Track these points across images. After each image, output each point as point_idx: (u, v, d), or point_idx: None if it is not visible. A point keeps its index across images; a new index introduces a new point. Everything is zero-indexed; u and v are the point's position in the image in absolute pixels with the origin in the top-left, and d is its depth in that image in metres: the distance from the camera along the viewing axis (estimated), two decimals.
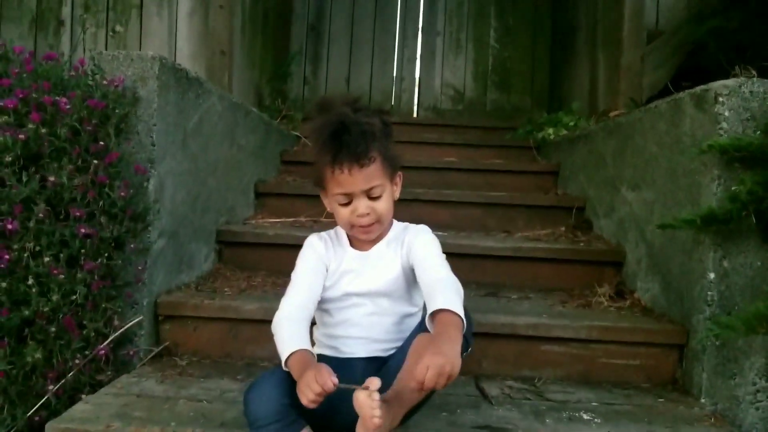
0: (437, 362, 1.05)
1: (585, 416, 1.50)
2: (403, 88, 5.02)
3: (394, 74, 5.02)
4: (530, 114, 4.42)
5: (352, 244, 1.43)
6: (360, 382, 1.17)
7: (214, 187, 2.24)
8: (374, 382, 1.10)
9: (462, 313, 1.18)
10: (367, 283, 1.38)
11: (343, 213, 1.33)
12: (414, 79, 5.02)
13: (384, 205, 1.34)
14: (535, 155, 3.63)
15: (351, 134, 1.26)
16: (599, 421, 1.47)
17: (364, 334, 1.38)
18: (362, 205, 1.31)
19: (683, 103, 1.82)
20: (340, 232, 1.45)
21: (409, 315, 1.42)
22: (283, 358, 1.20)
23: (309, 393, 1.09)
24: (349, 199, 1.31)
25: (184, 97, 1.90)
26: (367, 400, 1.09)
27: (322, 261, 1.40)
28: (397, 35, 4.99)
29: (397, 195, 1.40)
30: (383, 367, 1.32)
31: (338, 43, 4.97)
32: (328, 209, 1.40)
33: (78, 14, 2.95)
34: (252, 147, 2.76)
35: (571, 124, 3.56)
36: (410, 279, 1.40)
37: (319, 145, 1.30)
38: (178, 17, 3.13)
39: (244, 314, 1.77)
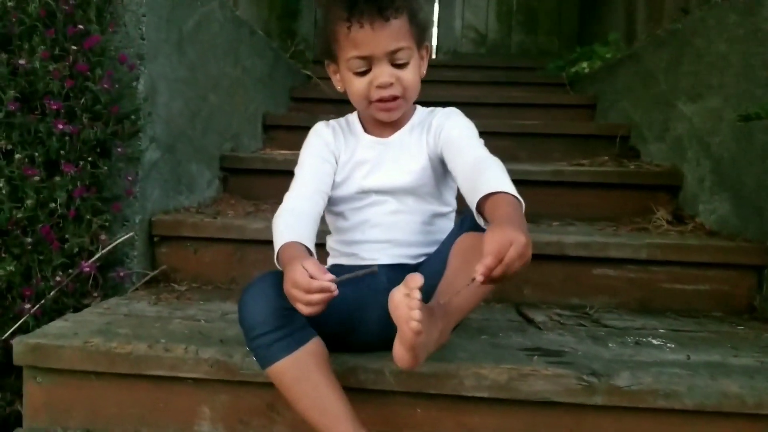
0: (521, 239, 0.79)
1: (654, 341, 1.26)
2: None
3: None
4: (559, 56, 4.11)
5: (366, 130, 1.17)
6: (385, 293, 0.92)
7: (216, 105, 2.00)
8: (415, 279, 0.84)
9: (518, 195, 0.93)
10: (387, 177, 1.13)
11: (359, 85, 1.06)
12: (432, 21, 4.71)
13: (411, 76, 1.07)
14: (568, 90, 3.34)
15: None
16: (673, 345, 1.23)
17: (388, 236, 1.13)
18: (385, 72, 1.04)
19: None
20: (352, 118, 1.20)
21: (441, 215, 1.18)
22: (275, 255, 0.97)
23: (297, 293, 0.85)
24: (367, 66, 1.04)
25: None
26: (404, 299, 0.84)
27: (329, 149, 1.15)
28: None
29: (423, 71, 1.14)
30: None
31: None
32: (339, 87, 1.13)
33: None
34: (259, 73, 2.51)
35: (608, 55, 3.26)
36: (440, 172, 1.15)
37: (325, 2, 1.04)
38: None
39: (250, 234, 1.54)
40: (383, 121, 1.12)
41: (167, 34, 1.61)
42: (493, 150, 2.69)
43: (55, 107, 1.27)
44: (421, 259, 1.15)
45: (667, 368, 1.06)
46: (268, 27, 3.81)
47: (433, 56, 4.67)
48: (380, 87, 1.05)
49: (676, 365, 1.09)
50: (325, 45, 1.10)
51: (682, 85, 1.97)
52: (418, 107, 1.19)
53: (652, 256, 1.50)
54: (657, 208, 1.89)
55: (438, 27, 4.72)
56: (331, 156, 1.14)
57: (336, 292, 0.86)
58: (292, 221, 1.02)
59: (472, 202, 0.94)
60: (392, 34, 1.02)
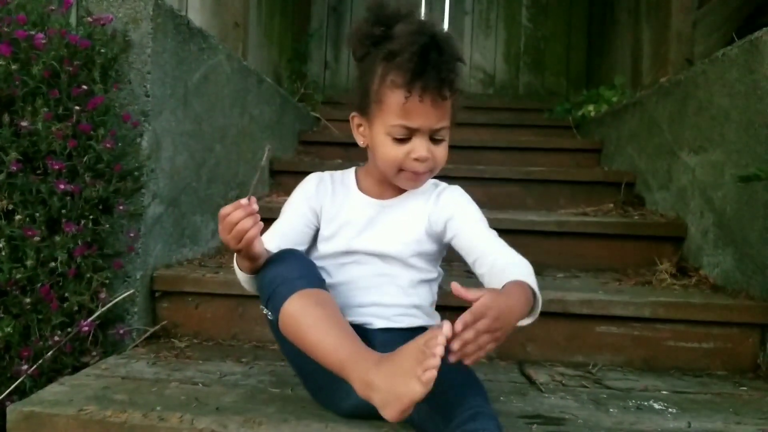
0: (506, 315, 0.81)
1: (656, 405, 1.23)
2: None
3: None
4: (566, 96, 4.14)
5: (361, 189, 1.17)
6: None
7: (222, 156, 2.03)
8: (445, 328, 0.81)
9: (539, 294, 0.95)
10: (378, 241, 1.12)
11: (395, 153, 1.06)
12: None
13: (443, 153, 1.09)
14: (574, 134, 3.35)
15: (443, 54, 1.00)
16: (674, 410, 1.20)
17: (372, 299, 1.12)
18: (424, 146, 1.05)
19: (762, 43, 1.55)
20: (348, 174, 1.20)
21: (426, 281, 1.18)
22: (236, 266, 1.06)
23: (223, 224, 0.94)
24: (409, 135, 1.05)
25: (185, 48, 1.69)
26: (422, 349, 0.81)
27: (309, 204, 1.15)
28: (423, 15, 4.74)
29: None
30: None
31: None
32: (361, 142, 1.13)
33: None
34: (266, 120, 2.55)
35: (614, 99, 3.27)
36: (434, 247, 1.16)
37: (390, 58, 1.01)
38: None
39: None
40: (405, 188, 1.13)
41: (173, 90, 1.64)
42: (502, 196, 2.67)
43: (57, 167, 1.29)
44: (411, 321, 1.14)
45: None
46: (278, 70, 3.88)
47: None
48: (417, 160, 1.06)
49: None
50: (362, 101, 1.09)
51: (686, 136, 1.97)
52: None
53: (656, 315, 1.48)
54: (661, 260, 1.87)
55: None
56: (309, 212, 1.15)
57: (251, 205, 0.92)
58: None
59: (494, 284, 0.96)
60: (442, 113, 1.04)
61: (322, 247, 1.16)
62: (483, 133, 3.42)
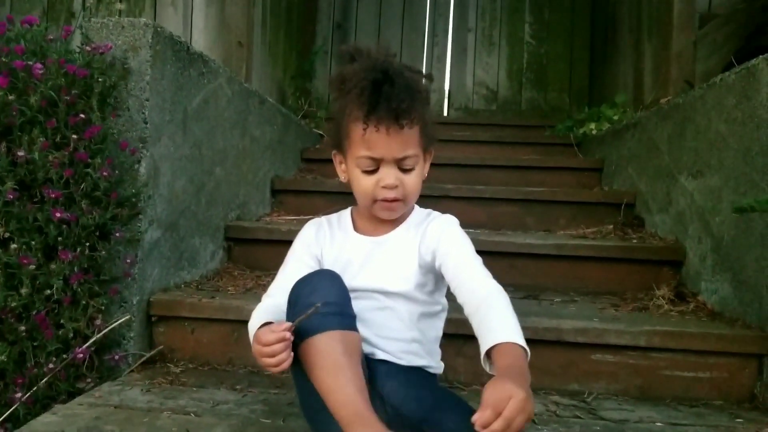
0: (519, 394, 0.79)
1: None
2: (433, 87, 4.78)
3: None
4: (569, 113, 4.15)
5: (357, 228, 1.19)
6: (381, 387, 1.04)
7: (222, 178, 2.04)
8: None
9: (524, 343, 0.94)
10: (375, 277, 1.14)
11: (366, 183, 1.10)
12: (444, 78, 4.79)
13: (414, 182, 1.12)
14: (576, 152, 3.35)
15: (395, 86, 1.04)
16: None
17: (377, 331, 1.12)
18: (391, 174, 1.08)
19: (758, 71, 1.55)
20: (345, 214, 1.23)
21: (431, 315, 1.18)
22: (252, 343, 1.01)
23: (261, 349, 0.93)
24: (375, 166, 1.08)
25: (184, 73, 1.71)
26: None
27: (311, 251, 1.18)
28: (427, 32, 4.78)
29: (425, 172, 1.17)
30: (399, 378, 1.08)
31: (365, 42, 4.77)
32: (343, 178, 1.17)
33: (89, 4, 2.81)
34: (268, 140, 2.56)
35: (615, 117, 3.28)
36: (430, 279, 1.16)
37: (350, 95, 1.07)
38: (193, 7, 2.98)
39: (248, 315, 1.48)
40: (384, 218, 1.15)
41: (172, 115, 1.65)
42: (502, 216, 2.66)
43: (53, 195, 1.30)
44: (406, 360, 1.13)
45: None
46: (282, 87, 3.91)
47: (445, 113, 4.74)
48: (385, 188, 1.09)
49: None
50: (336, 137, 1.14)
51: (684, 160, 1.97)
52: (416, 207, 1.22)
53: (651, 344, 1.48)
54: (659, 285, 1.86)
55: (450, 84, 4.80)
56: (312, 259, 1.17)
57: (290, 337, 0.92)
58: (264, 316, 1.07)
59: (480, 345, 0.96)
60: (404, 141, 1.07)
61: None
62: (485, 150, 3.43)
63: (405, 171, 1.10)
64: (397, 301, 1.14)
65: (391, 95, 1.03)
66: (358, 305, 1.12)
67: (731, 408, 1.43)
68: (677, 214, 2.02)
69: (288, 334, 0.93)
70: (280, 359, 0.92)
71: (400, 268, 1.14)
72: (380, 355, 1.12)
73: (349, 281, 1.11)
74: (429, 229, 1.15)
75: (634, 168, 2.49)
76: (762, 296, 1.47)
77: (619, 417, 1.34)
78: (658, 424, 1.31)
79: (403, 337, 1.13)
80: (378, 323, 1.13)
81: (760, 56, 1.55)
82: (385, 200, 1.10)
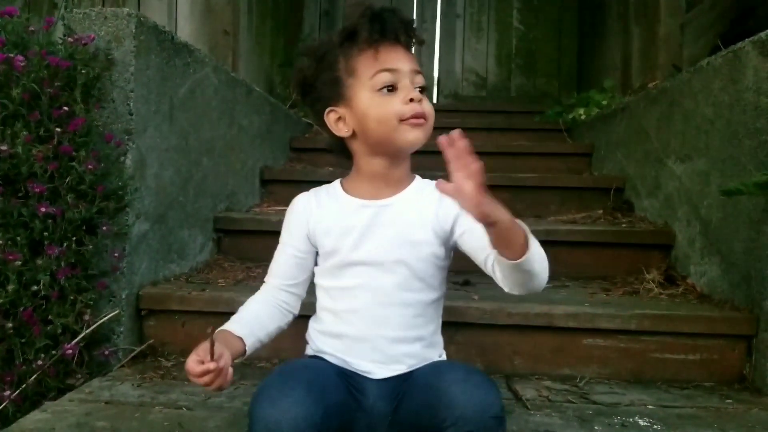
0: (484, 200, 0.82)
1: (641, 422, 1.23)
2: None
3: None
4: (558, 98, 4.14)
5: (353, 194, 1.07)
6: (372, 412, 1.00)
7: (210, 168, 2.02)
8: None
9: (532, 238, 0.91)
10: (380, 246, 1.02)
11: (390, 103, 0.99)
12: (433, 64, 4.77)
13: (430, 107, 1.03)
14: (565, 137, 3.35)
15: (395, 12, 1.03)
16: (659, 427, 1.21)
17: (376, 331, 1.03)
18: (410, 87, 1.00)
19: (744, 54, 1.55)
20: (333, 184, 1.13)
21: (432, 302, 1.08)
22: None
23: (193, 379, 0.90)
24: (394, 82, 1.00)
25: (169, 63, 1.68)
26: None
27: (298, 230, 1.10)
28: (415, 19, 4.74)
29: None
30: (405, 384, 1.01)
31: None
32: (346, 131, 1.03)
33: None
34: (256, 129, 2.54)
35: (604, 102, 3.28)
36: (443, 250, 1.05)
37: (349, 36, 1.02)
38: None
39: (238, 307, 1.52)
40: (411, 143, 1.02)
41: (157, 106, 1.63)
42: None
43: (38, 190, 1.28)
44: (410, 364, 1.04)
45: None
46: (270, 76, 3.87)
47: (435, 100, 4.72)
48: (413, 100, 1.00)
49: None
50: (333, 91, 1.04)
51: (672, 144, 1.97)
52: (417, 177, 1.11)
53: (642, 327, 1.49)
54: (649, 268, 1.88)
55: (439, 70, 4.78)
56: (300, 241, 1.10)
57: (215, 366, 0.87)
58: (244, 310, 1.10)
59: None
60: (414, 59, 1.04)
61: (322, 264, 1.09)
62: (476, 137, 3.37)
63: (420, 91, 1.02)
64: (400, 286, 1.03)
65: (394, 15, 1.02)
66: (357, 299, 1.04)
67: (721, 389, 1.44)
68: (666, 197, 2.02)
69: (212, 366, 0.87)
70: (213, 387, 0.89)
71: (413, 233, 1.03)
72: (379, 373, 1.03)
73: (349, 253, 1.03)
74: (435, 194, 1.02)
75: (623, 152, 2.50)
76: (750, 278, 1.48)
77: (611, 400, 1.35)
78: (650, 406, 1.32)
79: (406, 336, 1.04)
80: (379, 322, 1.03)
81: (746, 40, 1.55)
82: (415, 116, 0.99)
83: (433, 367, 0.99)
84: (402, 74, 1.01)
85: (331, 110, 1.06)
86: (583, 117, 3.28)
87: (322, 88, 1.06)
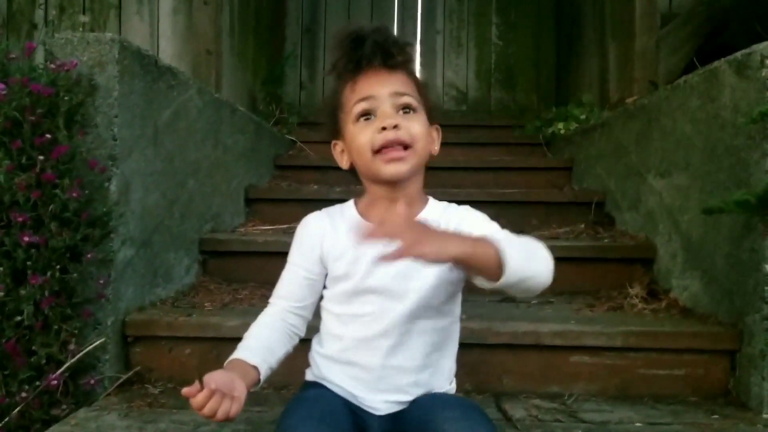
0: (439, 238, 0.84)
1: None
2: None
3: None
4: (537, 112, 4.20)
5: (366, 218, 1.06)
6: None
7: (195, 190, 2.01)
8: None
9: (507, 252, 0.86)
10: (395, 275, 0.99)
11: (365, 133, 0.98)
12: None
13: (419, 128, 0.99)
14: (545, 151, 3.40)
15: (374, 33, 1.00)
16: None
17: (390, 362, 1.01)
18: (388, 114, 0.98)
19: (720, 73, 1.59)
20: (347, 204, 1.11)
21: (446, 329, 1.07)
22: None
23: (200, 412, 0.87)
24: (371, 109, 0.99)
25: (153, 87, 1.68)
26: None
27: (307, 251, 1.08)
28: (395, 33, 4.79)
29: (436, 149, 1.08)
30: (405, 416, 1.00)
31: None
32: (344, 164, 1.06)
33: (52, 17, 2.75)
34: (241, 148, 2.54)
35: (583, 116, 3.33)
36: (454, 274, 1.02)
37: (336, 68, 1.03)
38: (159, 16, 2.94)
39: (226, 332, 1.52)
40: (390, 177, 0.99)
41: (142, 130, 1.62)
42: None
43: (21, 219, 1.27)
44: (416, 393, 1.03)
45: None
46: (253, 93, 3.87)
47: None
48: (386, 128, 0.97)
49: None
50: (334, 124, 1.06)
51: (652, 160, 2.01)
52: (431, 199, 1.10)
53: (627, 344, 1.51)
54: (632, 283, 1.90)
55: None
56: (309, 262, 1.08)
57: (215, 389, 0.86)
58: (253, 340, 1.05)
59: None
60: (399, 81, 1.01)
61: (332, 287, 1.07)
62: (457, 153, 3.44)
63: (406, 113, 0.99)
64: (416, 312, 1.01)
65: (373, 37, 0.99)
66: (367, 326, 1.02)
67: (707, 404, 1.46)
68: (647, 212, 2.06)
69: (204, 391, 0.86)
70: (219, 415, 0.87)
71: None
72: (384, 409, 1.02)
73: (361, 280, 1.01)
74: (448, 212, 1.07)
75: (603, 167, 2.54)
76: (732, 293, 1.51)
77: (600, 419, 1.37)
78: (638, 424, 1.34)
79: (419, 366, 1.03)
80: (388, 353, 1.01)
81: (722, 59, 1.59)
82: (386, 144, 0.96)
83: (432, 401, 0.98)
84: (379, 100, 0.99)
85: (335, 143, 1.09)
86: (562, 131, 3.33)
87: (328, 121, 1.09)
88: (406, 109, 1.00)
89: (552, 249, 2.09)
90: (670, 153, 1.88)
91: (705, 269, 1.65)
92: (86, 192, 1.40)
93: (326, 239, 1.06)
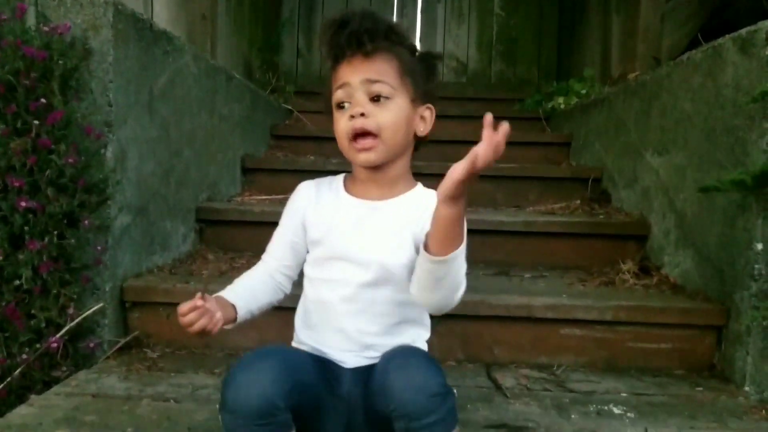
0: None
1: (615, 410, 1.28)
2: None
3: None
4: (537, 86, 4.17)
5: (349, 191, 1.09)
6: (347, 400, 1.02)
7: (191, 159, 2.01)
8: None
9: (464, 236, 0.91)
10: (365, 245, 1.03)
11: (339, 121, 1.02)
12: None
13: (390, 116, 1.00)
14: (544, 126, 3.39)
15: (356, 17, 1.00)
16: (633, 415, 1.25)
17: (353, 324, 1.06)
18: (359, 101, 0.99)
19: (724, 50, 1.58)
20: (337, 177, 1.13)
21: (406, 303, 1.08)
22: None
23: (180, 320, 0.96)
24: (345, 97, 1.01)
25: (148, 52, 1.66)
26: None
27: (293, 216, 1.11)
28: (396, 4, 4.71)
29: (423, 130, 1.06)
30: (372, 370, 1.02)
31: (332, 13, 4.68)
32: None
33: None
34: (237, 117, 2.53)
35: (583, 91, 3.31)
36: (413, 257, 1.02)
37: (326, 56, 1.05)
38: None
39: None
40: (362, 165, 1.04)
41: (137, 97, 1.62)
42: (474, 192, 2.73)
43: (17, 184, 1.27)
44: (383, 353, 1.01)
45: None
46: (249, 61, 3.83)
47: None
48: (353, 117, 0.99)
49: None
50: (329, 108, 1.08)
51: (650, 137, 2.01)
52: (419, 185, 1.10)
53: (617, 318, 1.53)
54: (624, 259, 1.92)
55: None
56: (295, 225, 1.11)
57: (202, 303, 0.94)
58: (239, 282, 1.11)
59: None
60: (374, 69, 1.01)
61: (311, 252, 1.11)
62: (456, 126, 3.43)
63: (377, 101, 1.00)
64: (379, 282, 1.04)
65: (354, 24, 1.00)
66: (335, 292, 1.05)
67: (692, 377, 1.50)
68: (643, 189, 2.07)
69: (199, 302, 0.94)
70: (197, 326, 0.94)
71: (391, 238, 1.03)
72: (351, 362, 1.05)
73: (332, 247, 1.05)
74: (431, 203, 1.00)
75: (601, 143, 2.54)
76: (722, 271, 1.53)
77: (587, 389, 1.40)
78: (623, 394, 1.37)
79: (377, 330, 1.06)
80: (359, 312, 1.05)
81: (726, 36, 1.58)
82: (354, 132, 0.99)
83: (385, 355, 0.99)
84: (353, 87, 1.01)
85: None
86: (562, 106, 3.32)
87: (326, 105, 1.10)
88: (377, 97, 1.01)
89: (547, 224, 2.13)
90: (669, 131, 1.88)
91: (697, 247, 1.67)
92: (82, 158, 1.40)
93: (309, 206, 1.11)
